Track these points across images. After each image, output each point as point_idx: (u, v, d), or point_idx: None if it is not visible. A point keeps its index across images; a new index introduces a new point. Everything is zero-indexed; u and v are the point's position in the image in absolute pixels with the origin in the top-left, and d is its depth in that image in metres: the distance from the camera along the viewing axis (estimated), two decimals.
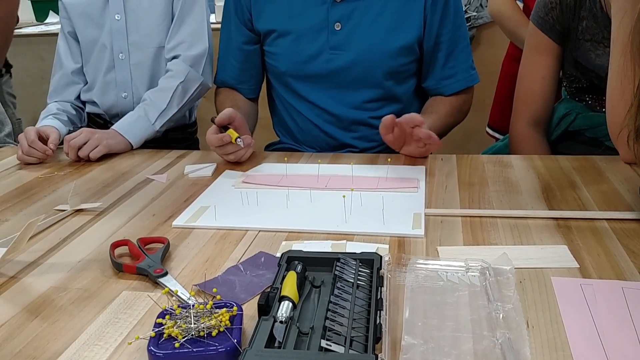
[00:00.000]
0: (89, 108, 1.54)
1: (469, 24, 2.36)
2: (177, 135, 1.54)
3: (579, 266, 0.71)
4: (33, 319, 0.65)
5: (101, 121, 1.53)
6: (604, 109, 1.12)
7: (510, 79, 1.76)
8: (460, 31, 1.27)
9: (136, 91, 1.47)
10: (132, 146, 1.30)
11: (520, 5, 1.79)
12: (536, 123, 1.31)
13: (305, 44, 1.24)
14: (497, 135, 1.82)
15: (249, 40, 1.31)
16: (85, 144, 1.22)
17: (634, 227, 0.81)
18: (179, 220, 0.90)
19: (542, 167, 1.07)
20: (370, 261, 0.68)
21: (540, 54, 1.26)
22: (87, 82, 1.52)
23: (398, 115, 1.08)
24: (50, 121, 1.37)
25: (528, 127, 1.31)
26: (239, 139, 1.09)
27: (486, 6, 2.29)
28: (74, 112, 1.50)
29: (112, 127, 1.31)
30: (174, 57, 1.43)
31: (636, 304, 0.62)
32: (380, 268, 0.67)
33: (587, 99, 1.28)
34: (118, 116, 1.43)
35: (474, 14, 2.38)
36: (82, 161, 1.23)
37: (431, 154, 1.18)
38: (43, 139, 1.25)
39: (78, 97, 1.53)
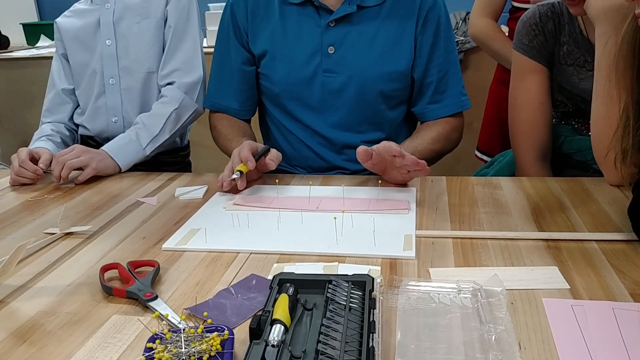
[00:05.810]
0: (81, 130, 1.54)
1: (457, 48, 2.39)
2: (170, 159, 1.54)
3: (569, 287, 0.71)
4: (21, 344, 0.64)
5: (94, 143, 1.53)
6: (590, 132, 1.12)
7: (498, 102, 1.78)
8: (452, 56, 1.28)
9: (126, 115, 1.47)
10: (120, 169, 1.30)
11: (505, 29, 1.82)
12: (545, 155, 1.26)
13: (299, 67, 1.26)
14: (485, 157, 1.84)
15: (247, 60, 1.32)
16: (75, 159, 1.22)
17: (623, 248, 0.81)
18: (170, 243, 0.89)
19: (531, 188, 1.08)
20: (362, 283, 0.68)
21: (533, 79, 1.24)
22: (79, 105, 1.52)
23: (387, 139, 1.08)
24: (44, 143, 1.37)
25: (538, 162, 1.26)
26: (238, 172, 1.07)
27: None
28: (67, 133, 1.50)
29: (103, 147, 1.31)
30: (169, 84, 1.44)
31: (627, 325, 0.63)
32: (372, 290, 0.67)
33: (574, 122, 1.29)
34: (109, 139, 1.43)
35: (462, 38, 2.42)
36: (72, 183, 1.22)
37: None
38: (35, 160, 1.24)
39: (71, 117, 1.53)
